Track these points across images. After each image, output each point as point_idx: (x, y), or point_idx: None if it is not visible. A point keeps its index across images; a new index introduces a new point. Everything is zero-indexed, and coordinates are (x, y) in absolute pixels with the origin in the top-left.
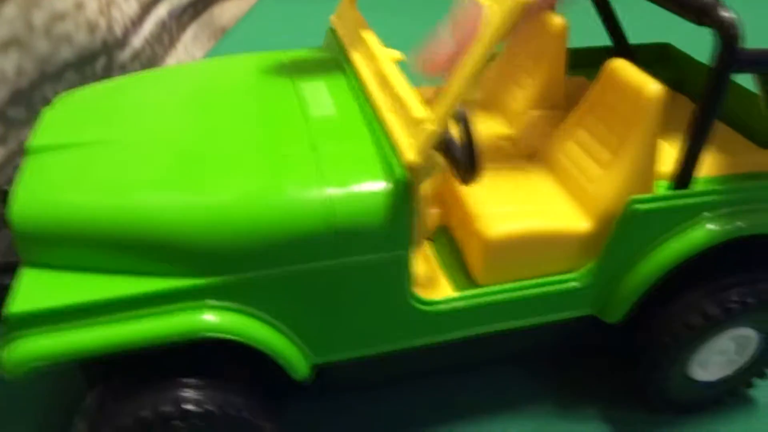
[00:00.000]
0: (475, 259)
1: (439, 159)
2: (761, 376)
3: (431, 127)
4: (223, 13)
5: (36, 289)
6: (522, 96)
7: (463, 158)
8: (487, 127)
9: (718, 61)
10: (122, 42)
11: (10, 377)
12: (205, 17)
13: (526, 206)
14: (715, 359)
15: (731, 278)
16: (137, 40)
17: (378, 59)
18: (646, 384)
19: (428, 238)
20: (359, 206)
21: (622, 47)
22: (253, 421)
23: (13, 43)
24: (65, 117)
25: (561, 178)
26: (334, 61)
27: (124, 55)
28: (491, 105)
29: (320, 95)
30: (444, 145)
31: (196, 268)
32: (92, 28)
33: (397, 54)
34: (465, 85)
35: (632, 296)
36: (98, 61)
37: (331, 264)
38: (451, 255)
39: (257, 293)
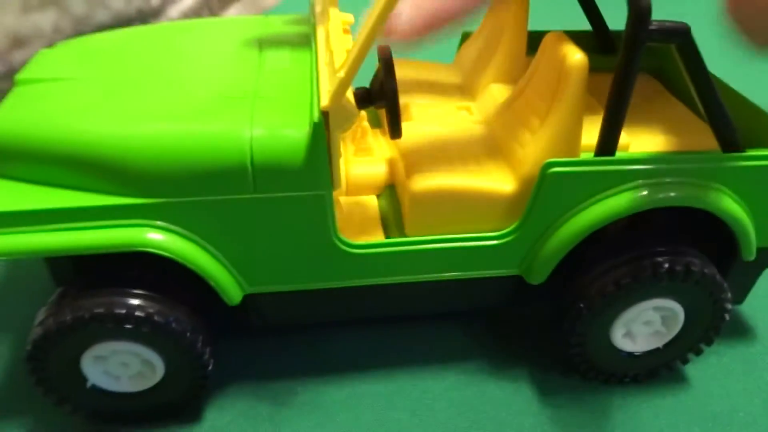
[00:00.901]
0: (404, 211)
1: (353, 107)
2: (697, 352)
3: (341, 74)
4: None
5: (2, 196)
6: (483, 68)
7: (387, 113)
8: (450, 95)
9: (631, 30)
10: (157, 11)
11: None
12: None
13: (457, 166)
14: (641, 330)
15: (663, 246)
16: (174, 11)
17: (329, 20)
18: (567, 347)
19: (376, 195)
20: (277, 145)
21: (600, 32)
22: (192, 338)
23: (52, 3)
24: (54, 58)
25: (498, 143)
26: (308, 25)
27: (159, 22)
28: (465, 86)
29: (281, 52)
30: (371, 98)
31: (136, 189)
32: None
33: (349, 17)
34: (371, 35)
35: (552, 259)
36: (133, 25)
37: (253, 197)
38: (391, 209)
39: (193, 219)
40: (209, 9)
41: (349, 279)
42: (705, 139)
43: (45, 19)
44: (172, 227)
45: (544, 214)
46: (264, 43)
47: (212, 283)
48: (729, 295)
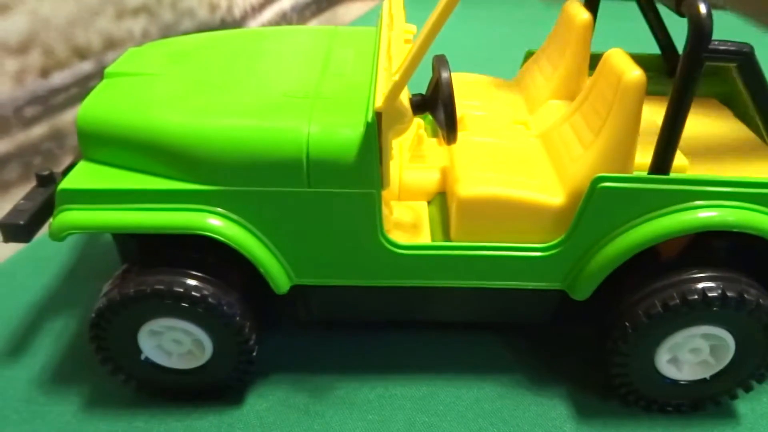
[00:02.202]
0: (451, 217)
1: (406, 110)
2: (746, 388)
3: (395, 78)
4: (348, 13)
5: (83, 176)
6: (543, 85)
7: (442, 117)
8: (508, 110)
9: (690, 47)
10: (239, 23)
11: (53, 239)
12: (327, 15)
13: (507, 176)
14: (688, 357)
15: (698, 271)
16: (254, 24)
17: (393, 29)
18: (609, 368)
19: (427, 201)
20: (331, 143)
21: (669, 56)
22: (241, 322)
23: (143, 10)
24: (141, 55)
25: (551, 156)
26: (374, 35)
27: None
28: (518, 88)
29: (344, 60)
30: (426, 104)
31: (203, 177)
32: (213, 7)
33: (412, 27)
34: (427, 41)
35: (598, 275)
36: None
37: (306, 191)
38: (440, 216)
39: (249, 208)
40: (287, 23)
41: (393, 279)
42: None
43: (136, 25)
44: (230, 215)
45: (591, 229)
46: (330, 50)
47: (262, 270)
48: None
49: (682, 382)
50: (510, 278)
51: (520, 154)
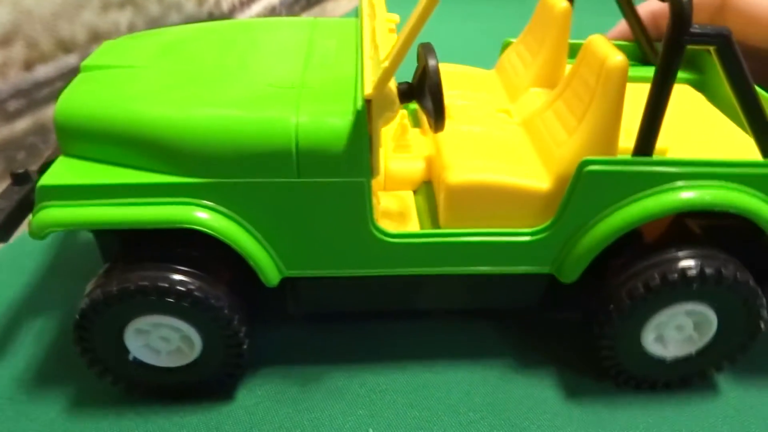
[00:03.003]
0: (439, 204)
1: (395, 97)
2: (731, 360)
3: (385, 64)
4: (337, 8)
5: (63, 171)
6: (524, 73)
7: (430, 105)
8: (490, 99)
9: (671, 31)
10: (227, 17)
11: (33, 237)
12: (317, 9)
13: (493, 162)
14: (673, 335)
15: (677, 250)
16: (243, 17)
17: (375, 18)
18: (597, 351)
19: (413, 190)
20: (321, 132)
21: (643, 44)
22: (229, 315)
23: (129, 2)
24: (118, 47)
25: (535, 142)
26: (355, 25)
27: None
28: (499, 77)
29: (326, 50)
30: (412, 92)
31: (188, 169)
32: (200, 0)
33: (395, 17)
34: (416, 28)
35: (585, 257)
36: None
37: (295, 182)
38: (427, 205)
39: (238, 200)
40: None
41: (383, 267)
42: (747, 149)
43: (122, 18)
44: (218, 207)
45: (578, 212)
46: (312, 41)
47: (252, 263)
48: (765, 302)
49: (669, 360)
50: (499, 263)
51: (505, 142)
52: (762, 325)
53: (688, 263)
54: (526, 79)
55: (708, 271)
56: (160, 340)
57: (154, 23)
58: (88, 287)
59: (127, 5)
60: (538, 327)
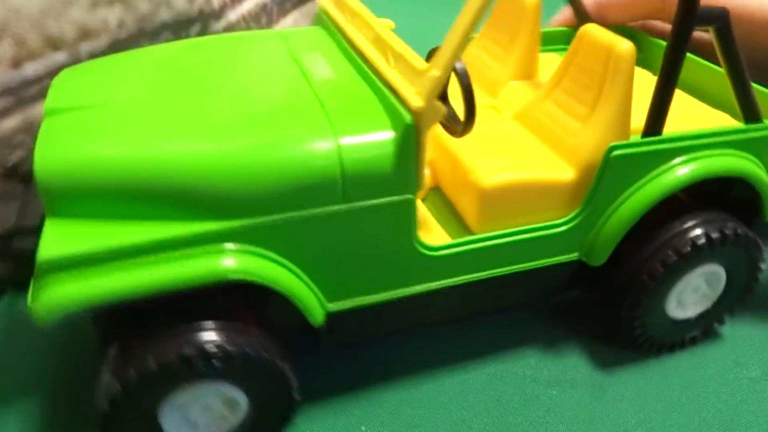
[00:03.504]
0: (470, 209)
1: (441, 106)
2: (731, 311)
3: (436, 73)
4: None
5: (61, 237)
6: (500, 68)
7: (452, 108)
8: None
9: (682, 14)
10: (218, 14)
11: (41, 324)
12: (309, 7)
13: (515, 159)
14: (690, 296)
15: (695, 218)
16: (233, 15)
17: (373, 26)
18: (629, 322)
19: (420, 198)
20: (367, 153)
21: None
22: (271, 360)
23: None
24: (75, 83)
25: (541, 135)
26: (327, 35)
27: (218, 26)
28: (482, 86)
29: (318, 63)
30: (443, 97)
31: (215, 213)
32: None
33: (390, 22)
34: (465, 34)
35: (614, 238)
36: (193, 27)
37: (342, 208)
38: (442, 210)
39: (275, 237)
40: (267, 15)
41: (427, 282)
42: (711, 117)
43: (111, 15)
44: (254, 249)
45: (606, 196)
46: (295, 54)
47: (298, 304)
48: (762, 252)
49: (687, 320)
50: (536, 257)
51: (509, 137)
52: (759, 275)
53: (695, 233)
54: (504, 73)
55: (714, 235)
56: (201, 411)
57: (144, 21)
58: (107, 371)
59: (116, 2)
60: (526, 324)
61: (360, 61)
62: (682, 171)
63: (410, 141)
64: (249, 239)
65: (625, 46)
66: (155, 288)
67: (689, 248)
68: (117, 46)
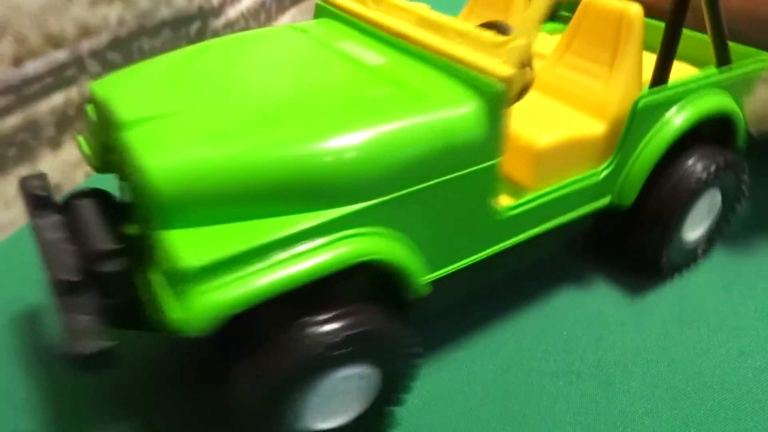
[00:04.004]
0: (525, 170)
1: (530, 71)
2: (720, 232)
3: (522, 41)
4: None
5: (194, 245)
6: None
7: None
8: None
9: None
10: (217, 11)
11: (192, 334)
12: (307, 4)
13: (553, 121)
14: (698, 219)
15: (698, 152)
16: (233, 12)
17: (412, 10)
18: (658, 252)
19: None
20: (465, 123)
21: None
22: (400, 331)
23: None
24: (133, 95)
25: (561, 98)
26: (343, 25)
27: (218, 23)
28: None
29: (360, 50)
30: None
31: (338, 200)
32: None
33: (425, 5)
34: (547, 4)
35: (641, 179)
36: (193, 24)
37: (445, 179)
38: None
39: (390, 216)
40: (266, 12)
41: (501, 242)
42: (678, 67)
43: (111, 12)
44: (375, 230)
45: (633, 141)
46: (328, 46)
47: (410, 279)
48: (746, 170)
49: (694, 242)
50: (583, 205)
51: (532, 105)
52: (745, 191)
53: (703, 165)
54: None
55: (718, 164)
56: (340, 397)
57: (144, 17)
58: (246, 376)
59: (116, 0)
60: (532, 316)
61: (404, 44)
62: (691, 111)
63: (500, 108)
64: (369, 221)
65: (635, 9)
66: (298, 280)
67: (704, 177)
68: (117, 43)
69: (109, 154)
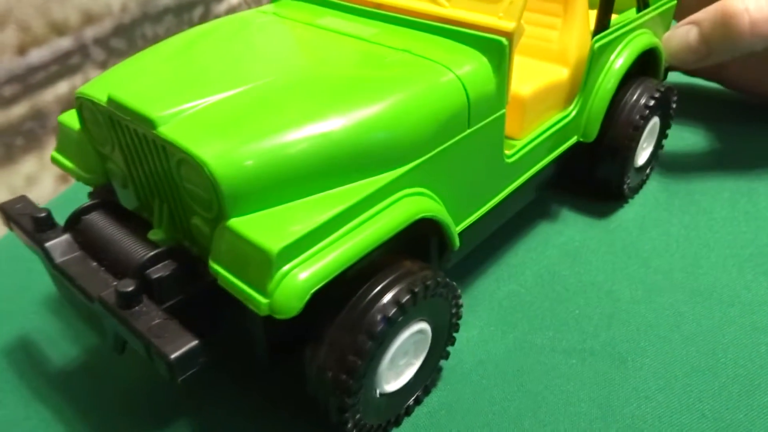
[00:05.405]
0: (513, 119)
1: (523, 24)
2: (656, 156)
3: None
4: None
5: (269, 228)
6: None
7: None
8: None
9: None
10: None
11: (285, 315)
12: None
13: (525, 72)
14: (644, 144)
15: (642, 84)
16: None
17: None
18: (621, 176)
19: None
20: (479, 77)
21: None
22: (451, 284)
23: None
24: (152, 89)
25: (521, 51)
26: (306, 6)
27: (220, 8)
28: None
29: (348, 24)
30: None
31: (388, 164)
32: None
33: None
34: None
35: (601, 114)
36: (196, 9)
37: (468, 133)
38: None
39: (428, 175)
40: None
41: (508, 186)
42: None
43: None
44: (419, 189)
45: (592, 80)
46: (316, 24)
47: (448, 233)
48: (676, 98)
49: (642, 166)
50: (560, 144)
51: None
52: (672, 114)
53: (650, 94)
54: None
55: (656, 95)
56: (402, 357)
57: (147, 4)
58: (329, 348)
59: None
60: (541, 295)
61: (387, 14)
62: (632, 48)
63: (505, 60)
64: (413, 182)
65: None
66: (373, 243)
67: (650, 105)
68: (121, 30)
69: (107, 161)
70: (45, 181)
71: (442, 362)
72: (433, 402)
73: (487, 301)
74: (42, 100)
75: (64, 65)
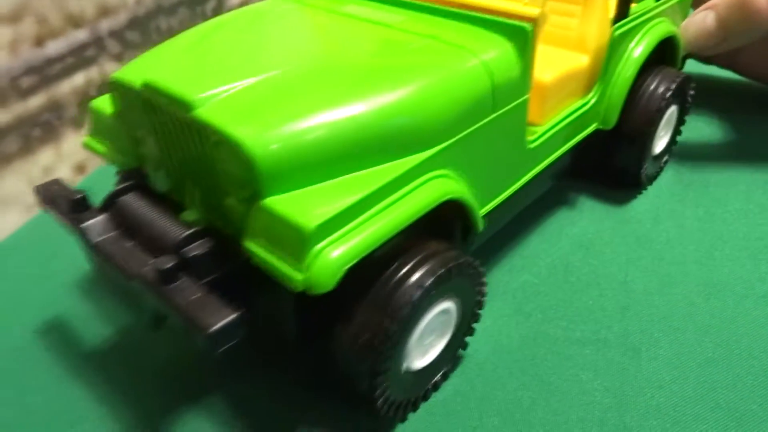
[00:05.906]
0: (534, 106)
1: (547, 12)
2: (674, 143)
3: None
4: None
5: (309, 206)
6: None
7: None
8: None
9: None
10: None
11: (320, 291)
12: None
13: (545, 60)
14: (662, 132)
15: (661, 72)
16: None
17: None
18: (639, 164)
19: None
20: (504, 62)
21: None
22: (476, 264)
23: None
24: (186, 72)
25: (541, 38)
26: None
27: (233, 0)
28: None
29: (371, 11)
30: None
31: (417, 147)
32: None
33: None
34: None
35: (621, 101)
36: (209, 1)
37: (492, 117)
38: None
39: (454, 158)
40: None
41: (529, 171)
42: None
43: None
44: (449, 171)
45: (612, 68)
46: (340, 11)
47: (473, 216)
48: (693, 86)
49: (663, 149)
50: (579, 131)
51: None
52: (690, 101)
53: (662, 88)
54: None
55: (673, 85)
56: (429, 336)
57: None
58: (359, 327)
59: None
60: (554, 286)
61: (411, 2)
62: (652, 36)
63: (529, 46)
64: (440, 165)
65: None
66: (404, 222)
67: (668, 95)
68: (136, 22)
69: (140, 145)
70: (62, 171)
71: (459, 351)
72: (448, 390)
73: (501, 292)
74: (59, 92)
75: (80, 57)
